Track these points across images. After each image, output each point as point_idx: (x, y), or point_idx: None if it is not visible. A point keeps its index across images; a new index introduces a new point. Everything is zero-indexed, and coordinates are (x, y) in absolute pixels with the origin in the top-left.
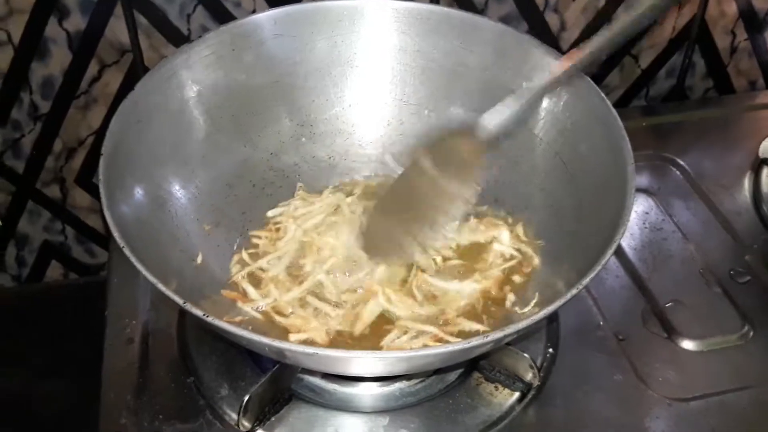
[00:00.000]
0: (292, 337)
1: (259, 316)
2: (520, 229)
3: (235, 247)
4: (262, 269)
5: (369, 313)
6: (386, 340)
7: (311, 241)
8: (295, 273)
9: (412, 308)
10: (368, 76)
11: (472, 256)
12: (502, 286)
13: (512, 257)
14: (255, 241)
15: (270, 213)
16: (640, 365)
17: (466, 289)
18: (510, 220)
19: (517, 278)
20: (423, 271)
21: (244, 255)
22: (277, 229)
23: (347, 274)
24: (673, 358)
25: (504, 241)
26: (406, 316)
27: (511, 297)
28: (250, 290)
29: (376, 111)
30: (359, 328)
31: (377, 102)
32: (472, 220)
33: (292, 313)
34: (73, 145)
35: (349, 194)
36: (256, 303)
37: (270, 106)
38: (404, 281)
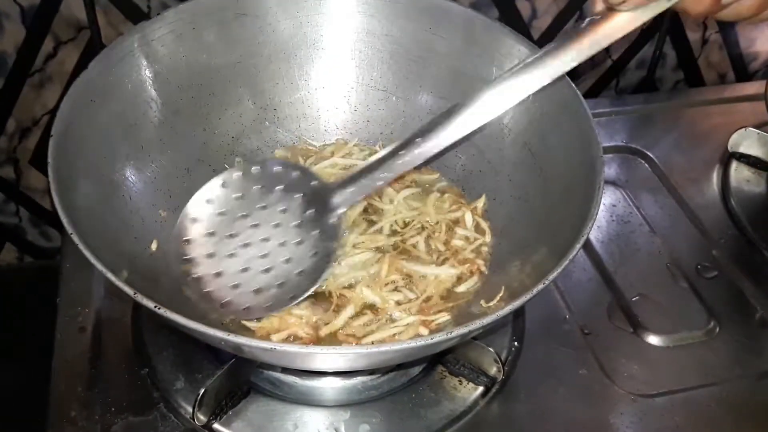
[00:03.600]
0: (274, 336)
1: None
2: (479, 209)
3: None
4: None
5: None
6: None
7: None
8: None
9: (392, 297)
10: (334, 59)
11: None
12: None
13: (476, 239)
14: None
15: None
16: (605, 360)
17: (443, 274)
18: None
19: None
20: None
21: None
22: None
23: None
24: (639, 354)
25: (468, 223)
26: (390, 306)
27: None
28: None
29: (342, 96)
30: (339, 322)
31: (344, 86)
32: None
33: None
34: (27, 124)
35: None
36: None
37: (231, 88)
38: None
